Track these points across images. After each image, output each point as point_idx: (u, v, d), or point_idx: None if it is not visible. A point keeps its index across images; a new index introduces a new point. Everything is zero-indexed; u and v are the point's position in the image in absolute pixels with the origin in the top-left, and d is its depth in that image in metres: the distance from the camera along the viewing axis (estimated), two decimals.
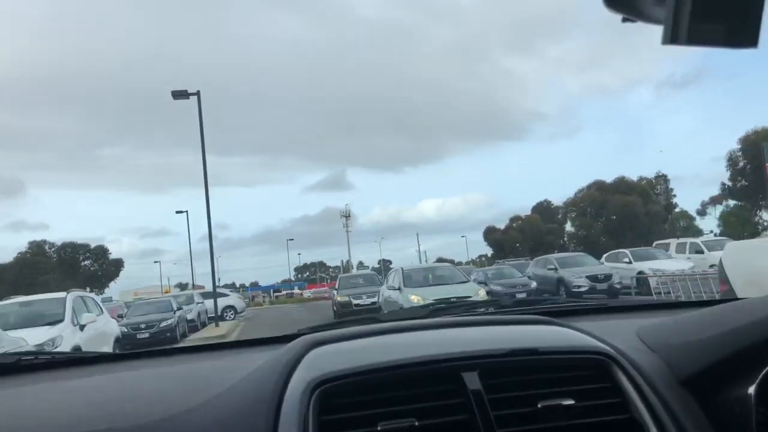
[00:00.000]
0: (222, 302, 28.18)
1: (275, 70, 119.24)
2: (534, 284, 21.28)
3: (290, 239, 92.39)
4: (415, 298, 14.13)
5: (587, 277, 20.85)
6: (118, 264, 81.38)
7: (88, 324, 10.93)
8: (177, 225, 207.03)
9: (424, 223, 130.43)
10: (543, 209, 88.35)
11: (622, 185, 65.98)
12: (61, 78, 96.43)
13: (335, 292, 22.55)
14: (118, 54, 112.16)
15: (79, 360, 1.77)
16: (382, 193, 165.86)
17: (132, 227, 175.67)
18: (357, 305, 19.91)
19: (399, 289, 15.62)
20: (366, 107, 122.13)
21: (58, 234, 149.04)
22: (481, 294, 14.47)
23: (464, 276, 16.91)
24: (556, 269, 22.57)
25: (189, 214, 47.61)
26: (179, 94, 23.11)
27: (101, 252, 79.86)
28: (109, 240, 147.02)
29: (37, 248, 76.54)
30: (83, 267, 78.36)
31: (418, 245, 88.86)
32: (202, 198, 22.47)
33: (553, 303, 2.15)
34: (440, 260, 62.35)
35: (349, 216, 75.04)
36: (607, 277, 20.82)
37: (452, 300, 11.18)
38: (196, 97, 23.10)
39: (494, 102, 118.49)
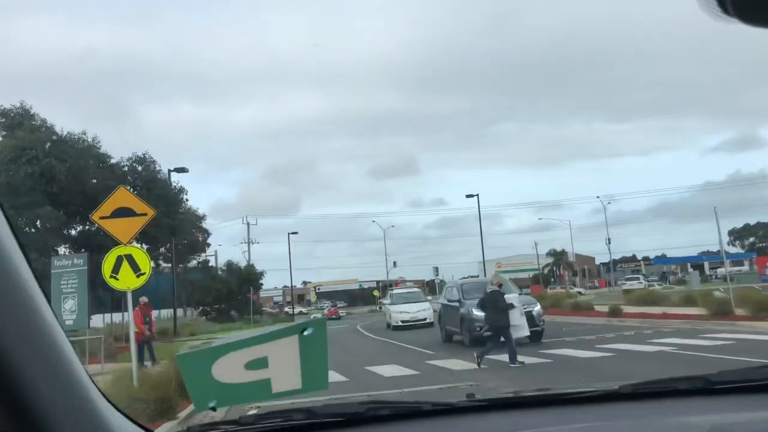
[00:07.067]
0: None
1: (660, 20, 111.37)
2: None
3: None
4: None
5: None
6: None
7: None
8: (569, 196, 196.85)
9: None
10: None
11: None
12: (449, 62, 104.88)
13: None
14: (496, 31, 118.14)
15: (420, 412, 1.60)
16: None
17: (527, 202, 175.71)
18: None
19: None
20: None
21: (453, 211, 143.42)
22: None
23: None
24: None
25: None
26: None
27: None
28: (506, 215, 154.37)
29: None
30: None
31: None
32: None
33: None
34: None
35: None
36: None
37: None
38: None
39: None
